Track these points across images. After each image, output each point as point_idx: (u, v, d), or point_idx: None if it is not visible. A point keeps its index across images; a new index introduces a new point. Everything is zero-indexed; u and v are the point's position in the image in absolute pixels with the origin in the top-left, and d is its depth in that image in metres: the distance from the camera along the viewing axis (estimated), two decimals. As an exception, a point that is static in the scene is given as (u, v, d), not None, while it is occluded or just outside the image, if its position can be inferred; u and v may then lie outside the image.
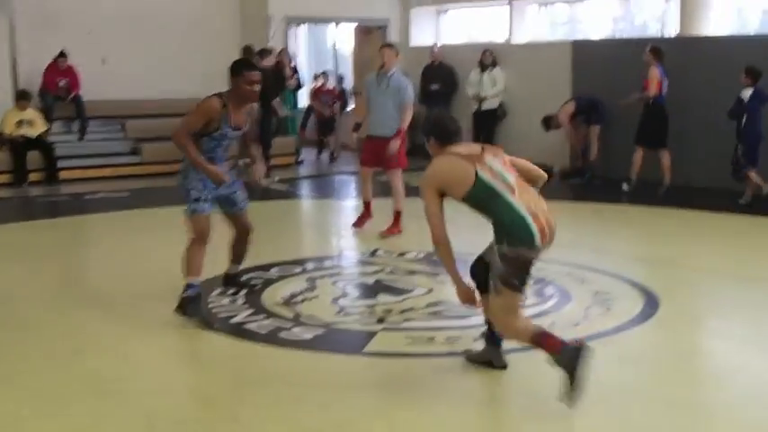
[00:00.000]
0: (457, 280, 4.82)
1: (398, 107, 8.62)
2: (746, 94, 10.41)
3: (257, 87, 6.09)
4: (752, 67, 10.39)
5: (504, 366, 5.03)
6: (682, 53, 11.60)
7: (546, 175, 4.96)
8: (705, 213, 10.04)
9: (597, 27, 14.08)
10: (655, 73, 11.25)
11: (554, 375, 4.45)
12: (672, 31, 12.80)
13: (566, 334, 5.59)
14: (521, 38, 14.47)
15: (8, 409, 4.59)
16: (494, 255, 4.62)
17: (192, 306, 5.92)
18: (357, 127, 9.21)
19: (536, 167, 4.94)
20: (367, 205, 8.98)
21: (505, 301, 4.63)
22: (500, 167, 4.66)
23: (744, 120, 10.42)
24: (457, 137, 4.81)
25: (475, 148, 4.79)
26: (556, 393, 4.47)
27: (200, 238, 6.10)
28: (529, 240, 4.52)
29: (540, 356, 4.58)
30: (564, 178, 12.51)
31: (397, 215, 8.81)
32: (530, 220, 4.53)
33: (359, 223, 9.02)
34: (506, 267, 4.56)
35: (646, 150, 11.41)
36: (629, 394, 4.77)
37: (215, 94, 6.09)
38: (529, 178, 4.83)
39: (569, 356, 4.43)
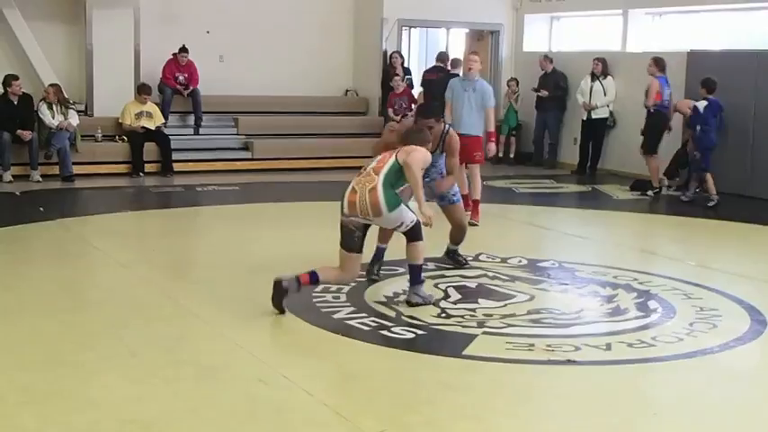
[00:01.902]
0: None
1: (481, 110, 9.53)
2: (701, 104, 11.35)
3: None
4: (707, 79, 11.40)
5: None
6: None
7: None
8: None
9: (714, 38, 13.74)
10: (654, 84, 12.07)
11: (659, 390, 4.39)
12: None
13: (668, 350, 5.57)
14: (634, 47, 14.26)
15: (113, 389, 4.77)
16: None
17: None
18: None
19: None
20: (465, 197, 9.13)
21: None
22: (377, 158, 6.35)
23: (698, 129, 11.34)
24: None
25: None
26: (659, 407, 4.42)
27: None
28: (341, 206, 6.20)
29: (649, 368, 4.51)
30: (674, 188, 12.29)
31: (476, 203, 9.53)
32: (347, 192, 6.22)
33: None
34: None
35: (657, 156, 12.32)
36: (732, 414, 4.68)
37: None
38: None
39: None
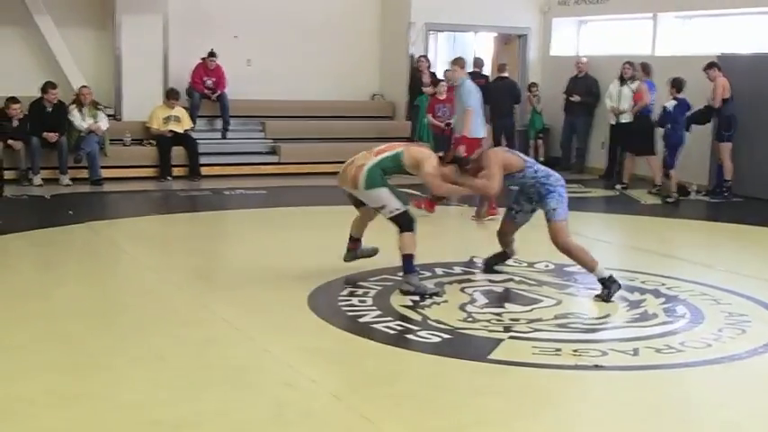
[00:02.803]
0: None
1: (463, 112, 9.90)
2: (671, 104, 11.79)
3: None
4: (676, 79, 11.83)
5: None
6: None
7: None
8: None
9: (745, 41, 13.64)
10: (644, 88, 12.78)
11: (687, 396, 4.36)
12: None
13: (696, 355, 5.53)
14: (664, 51, 14.16)
15: (141, 391, 4.80)
16: None
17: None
18: None
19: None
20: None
21: None
22: (390, 144, 6.95)
23: (667, 127, 11.82)
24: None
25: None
26: (686, 414, 4.39)
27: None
28: None
29: (677, 373, 4.48)
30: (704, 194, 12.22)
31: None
32: (346, 162, 6.82)
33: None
34: None
35: (634, 157, 13.03)
36: (761, 421, 4.64)
37: None
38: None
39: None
